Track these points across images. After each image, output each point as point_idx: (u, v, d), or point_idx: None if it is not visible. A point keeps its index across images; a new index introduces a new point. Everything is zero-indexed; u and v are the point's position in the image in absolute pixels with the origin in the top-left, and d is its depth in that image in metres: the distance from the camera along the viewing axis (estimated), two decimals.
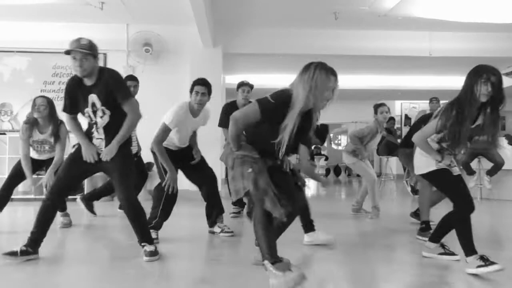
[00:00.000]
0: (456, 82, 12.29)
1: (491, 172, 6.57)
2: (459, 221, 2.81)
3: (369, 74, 10.80)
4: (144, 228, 3.07)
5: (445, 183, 2.88)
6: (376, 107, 5.02)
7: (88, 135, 3.05)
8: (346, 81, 11.59)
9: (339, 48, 7.57)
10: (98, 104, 2.93)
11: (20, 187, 6.80)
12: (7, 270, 2.73)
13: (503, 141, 6.92)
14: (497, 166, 6.51)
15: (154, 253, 2.96)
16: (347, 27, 7.22)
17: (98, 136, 3.02)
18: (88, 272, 2.76)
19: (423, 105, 12.06)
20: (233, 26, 7.24)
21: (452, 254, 2.99)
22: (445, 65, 9.42)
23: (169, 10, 6.50)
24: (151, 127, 6.19)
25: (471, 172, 6.62)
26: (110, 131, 2.97)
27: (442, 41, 7.51)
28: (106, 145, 2.98)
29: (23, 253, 2.85)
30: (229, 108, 4.64)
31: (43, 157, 4.34)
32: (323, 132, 4.30)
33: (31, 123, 4.18)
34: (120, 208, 5.18)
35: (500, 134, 3.12)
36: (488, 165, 6.67)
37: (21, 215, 5.25)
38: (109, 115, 2.96)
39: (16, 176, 4.27)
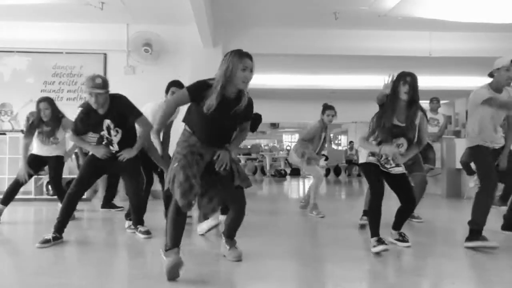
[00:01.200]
0: (456, 82, 12.28)
1: None
2: (371, 208, 3.37)
3: (369, 74, 10.80)
4: (141, 213, 3.94)
5: (367, 174, 3.46)
6: (324, 108, 5.25)
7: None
8: (346, 81, 11.62)
9: (339, 48, 7.56)
10: (112, 126, 3.63)
11: None
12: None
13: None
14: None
15: (148, 232, 3.77)
16: (347, 27, 7.22)
17: (114, 149, 3.68)
18: (88, 272, 2.76)
19: (423, 105, 12.05)
20: (233, 26, 7.24)
21: (405, 241, 3.47)
22: (445, 65, 9.41)
23: (169, 10, 6.50)
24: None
25: (471, 173, 6.61)
26: (123, 144, 3.68)
27: (442, 41, 7.51)
28: (120, 149, 3.65)
29: (54, 239, 3.44)
30: None
31: (46, 152, 4.67)
32: (255, 120, 4.64)
33: (38, 122, 4.60)
34: (102, 207, 5.63)
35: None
36: None
37: (22, 215, 5.24)
38: (121, 132, 3.66)
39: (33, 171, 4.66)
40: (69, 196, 3.58)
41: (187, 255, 3.25)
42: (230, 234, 3.09)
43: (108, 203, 5.67)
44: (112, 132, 3.64)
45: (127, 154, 3.66)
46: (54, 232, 3.47)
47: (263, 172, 14.19)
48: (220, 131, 2.78)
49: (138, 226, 3.88)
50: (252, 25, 7.24)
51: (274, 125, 18.82)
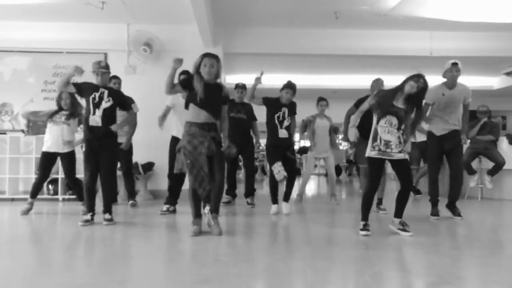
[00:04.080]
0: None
1: (492, 172, 6.55)
2: (366, 196, 3.90)
3: (370, 73, 10.76)
4: (110, 200, 4.49)
5: (371, 168, 3.92)
6: (318, 100, 6.20)
7: (87, 112, 4.39)
8: (347, 80, 11.61)
9: (340, 48, 7.55)
10: (106, 94, 4.41)
11: (21, 186, 6.84)
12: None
13: (504, 141, 6.92)
14: (498, 165, 6.49)
15: (110, 220, 4.38)
16: (348, 26, 7.21)
17: (98, 113, 4.35)
18: (89, 271, 2.76)
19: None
20: (234, 25, 7.24)
21: (406, 231, 3.81)
22: None
23: (169, 10, 6.50)
24: (153, 124, 6.20)
25: (472, 172, 6.61)
26: (106, 117, 4.37)
27: (443, 41, 7.50)
28: (102, 123, 4.35)
29: (92, 218, 4.40)
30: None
31: (57, 147, 5.17)
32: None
33: (59, 108, 5.26)
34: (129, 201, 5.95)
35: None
36: (489, 164, 6.66)
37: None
38: (111, 104, 4.43)
39: (46, 167, 5.23)
40: (88, 190, 4.39)
41: (188, 255, 3.26)
42: (213, 208, 3.83)
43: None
44: (105, 99, 4.38)
45: (115, 127, 4.40)
46: (90, 215, 4.38)
47: (263, 172, 14.18)
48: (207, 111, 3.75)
49: (104, 213, 4.41)
50: (252, 25, 7.24)
51: None
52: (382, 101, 3.80)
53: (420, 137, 7.04)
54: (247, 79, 10.93)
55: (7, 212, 5.40)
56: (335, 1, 6.20)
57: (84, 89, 4.45)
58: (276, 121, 5.04)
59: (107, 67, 4.52)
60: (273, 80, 11.37)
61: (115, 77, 6.05)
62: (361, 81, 11.36)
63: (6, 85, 7.05)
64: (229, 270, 2.72)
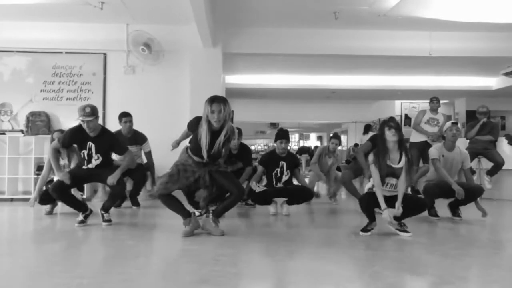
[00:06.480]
0: (456, 82, 12.20)
1: (491, 172, 6.56)
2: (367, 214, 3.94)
3: (369, 74, 10.80)
4: (113, 203, 4.51)
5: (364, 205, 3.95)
6: (330, 138, 6.54)
7: (81, 165, 4.40)
8: (346, 80, 11.61)
9: (339, 48, 7.55)
10: (94, 151, 4.31)
11: (20, 187, 6.83)
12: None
13: (503, 141, 6.93)
14: (497, 165, 6.50)
15: (109, 220, 4.37)
16: (347, 26, 7.21)
17: (90, 166, 4.32)
18: (89, 271, 2.75)
19: (423, 105, 12.05)
20: (233, 26, 7.24)
21: (406, 231, 3.85)
22: (445, 65, 9.41)
23: (169, 10, 6.49)
24: (153, 125, 6.18)
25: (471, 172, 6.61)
26: (99, 166, 4.35)
27: (442, 41, 7.50)
28: (96, 173, 4.38)
29: (86, 217, 4.36)
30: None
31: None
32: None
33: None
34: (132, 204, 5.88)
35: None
36: (488, 164, 6.66)
37: (21, 214, 5.24)
38: (101, 160, 4.35)
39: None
40: (62, 200, 4.39)
41: (187, 255, 3.26)
42: (218, 213, 3.85)
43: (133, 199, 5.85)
44: (94, 156, 4.32)
45: (112, 180, 4.24)
46: (84, 215, 4.35)
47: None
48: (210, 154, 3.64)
49: (102, 212, 4.40)
50: (251, 25, 7.24)
51: (274, 125, 18.81)
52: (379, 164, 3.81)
53: (420, 137, 7.03)
54: (247, 79, 11.00)
55: (6, 212, 5.39)
56: (335, 1, 6.19)
57: (72, 144, 4.43)
58: (274, 178, 5.14)
59: (93, 113, 4.24)
60: (273, 80, 11.43)
61: (126, 114, 5.67)
62: (361, 81, 11.39)
63: (5, 85, 7.04)
64: (229, 270, 2.72)
